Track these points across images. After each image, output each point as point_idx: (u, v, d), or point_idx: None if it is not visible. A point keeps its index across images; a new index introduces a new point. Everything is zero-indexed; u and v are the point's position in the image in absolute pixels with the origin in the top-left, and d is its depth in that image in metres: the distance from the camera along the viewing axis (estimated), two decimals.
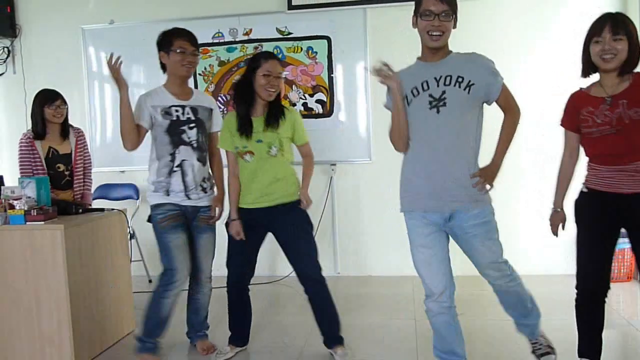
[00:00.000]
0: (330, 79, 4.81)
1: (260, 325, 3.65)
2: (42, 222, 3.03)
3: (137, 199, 5.01)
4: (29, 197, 3.14)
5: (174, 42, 2.97)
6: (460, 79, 2.39)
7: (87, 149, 3.92)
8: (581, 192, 2.52)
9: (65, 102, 3.69)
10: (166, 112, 3.01)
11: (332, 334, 3.09)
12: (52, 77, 5.17)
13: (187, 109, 3.05)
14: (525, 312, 2.65)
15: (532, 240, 4.55)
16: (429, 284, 2.49)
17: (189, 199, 3.06)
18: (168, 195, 3.03)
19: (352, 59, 4.81)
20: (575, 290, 2.53)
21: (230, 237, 3.07)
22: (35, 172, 3.54)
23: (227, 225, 3.07)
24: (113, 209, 3.56)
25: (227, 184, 3.09)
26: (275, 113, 2.99)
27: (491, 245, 2.48)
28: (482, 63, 2.45)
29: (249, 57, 4.86)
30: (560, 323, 2.84)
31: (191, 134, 3.05)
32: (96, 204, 4.75)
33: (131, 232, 4.68)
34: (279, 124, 2.98)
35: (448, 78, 2.40)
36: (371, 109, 4.78)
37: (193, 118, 3.06)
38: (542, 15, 4.52)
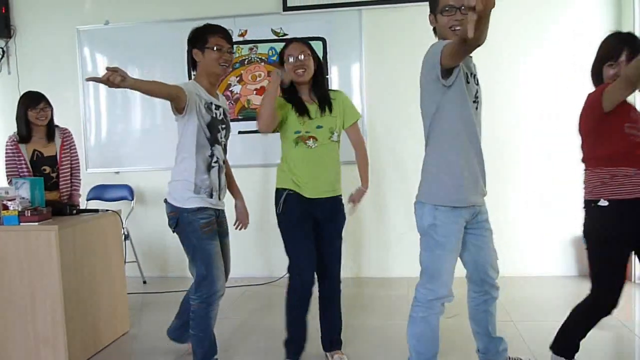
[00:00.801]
0: (326, 80, 4.80)
1: (252, 327, 3.65)
2: (37, 223, 3.02)
3: (132, 199, 5.00)
4: (23, 198, 3.13)
5: (210, 39, 2.78)
6: (475, 77, 2.40)
7: (75, 149, 3.89)
8: (601, 207, 2.46)
9: (49, 104, 3.68)
10: (208, 107, 2.80)
11: (334, 336, 3.07)
12: (47, 77, 5.17)
13: (221, 110, 2.90)
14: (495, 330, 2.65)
15: (528, 242, 4.58)
16: (447, 286, 2.41)
17: (220, 200, 2.91)
18: (211, 197, 2.81)
19: (347, 61, 4.81)
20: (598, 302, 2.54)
21: (289, 235, 2.87)
22: (21, 175, 3.55)
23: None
24: (107, 210, 3.55)
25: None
26: (324, 95, 2.92)
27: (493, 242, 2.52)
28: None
29: (245, 58, 4.88)
30: (557, 325, 2.85)
31: (222, 134, 2.90)
32: (91, 204, 4.76)
33: (125, 233, 4.67)
34: (333, 106, 2.92)
35: (476, 77, 2.40)
36: (366, 111, 4.79)
37: (224, 119, 2.92)
38: (541, 18, 4.55)
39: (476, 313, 2.63)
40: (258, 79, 4.90)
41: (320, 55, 4.73)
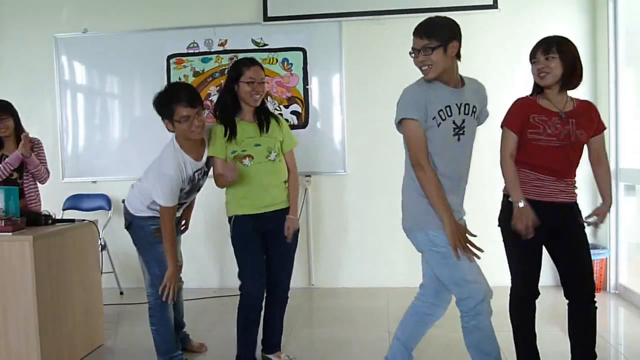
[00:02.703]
0: (306, 91, 4.82)
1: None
2: (10, 233, 2.96)
3: (109, 209, 4.94)
4: None
5: (176, 110, 2.78)
6: (474, 109, 2.49)
7: (43, 155, 3.80)
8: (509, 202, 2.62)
9: (10, 115, 3.63)
10: (191, 180, 2.95)
11: (277, 341, 3.21)
12: (24, 85, 5.11)
13: (202, 170, 3.00)
14: None
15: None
16: (479, 285, 2.41)
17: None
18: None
19: (327, 71, 4.83)
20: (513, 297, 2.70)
21: (240, 249, 2.98)
22: None
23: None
24: (84, 220, 3.50)
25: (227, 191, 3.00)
26: (266, 116, 3.00)
27: None
28: (484, 93, 2.59)
29: (225, 67, 4.87)
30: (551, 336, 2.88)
31: (196, 188, 3.08)
32: (67, 214, 4.69)
33: (102, 243, 4.61)
34: (272, 128, 2.99)
35: (467, 107, 2.47)
36: (346, 121, 4.81)
37: (202, 176, 3.05)
38: (526, 33, 4.56)
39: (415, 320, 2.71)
40: None
41: (301, 65, 4.79)
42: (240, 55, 4.81)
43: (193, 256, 4.36)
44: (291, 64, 4.84)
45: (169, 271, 2.94)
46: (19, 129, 3.68)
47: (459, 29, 2.41)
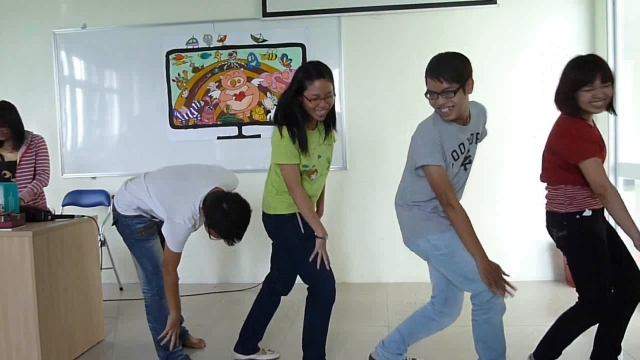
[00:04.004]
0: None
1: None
2: (10, 229, 2.96)
3: (109, 205, 4.94)
4: None
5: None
6: (477, 135, 2.57)
7: (43, 155, 3.77)
8: (586, 217, 2.52)
9: (5, 122, 3.58)
10: None
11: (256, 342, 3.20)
12: (23, 81, 5.11)
13: None
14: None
15: (506, 247, 4.61)
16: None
17: None
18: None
19: None
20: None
21: (304, 248, 2.82)
22: None
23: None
24: (83, 216, 3.50)
25: (300, 202, 2.76)
26: (330, 122, 2.87)
27: None
28: (485, 117, 2.63)
29: (224, 63, 4.86)
30: (531, 330, 2.88)
31: None
32: (66, 210, 4.70)
33: (102, 239, 4.62)
34: (331, 133, 2.90)
35: (472, 137, 2.53)
36: (345, 117, 4.80)
37: None
38: (525, 27, 4.59)
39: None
40: (237, 84, 4.88)
41: (300, 61, 4.78)
42: (240, 51, 4.84)
43: (193, 252, 4.36)
44: (290, 59, 4.83)
45: (171, 318, 2.91)
46: (19, 127, 3.66)
47: (471, 64, 2.40)
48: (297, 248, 2.83)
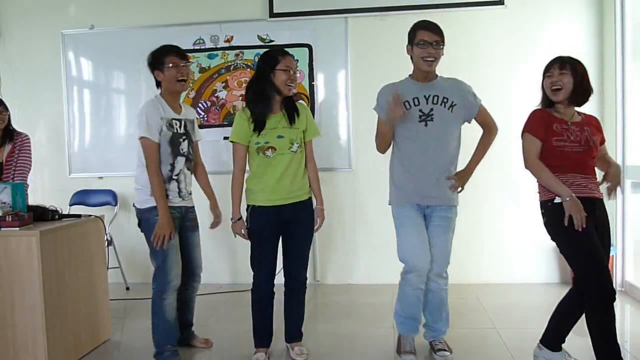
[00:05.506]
0: (311, 87, 4.82)
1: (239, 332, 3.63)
2: (17, 228, 2.98)
3: (115, 205, 4.96)
4: (4, 203, 3.09)
5: (166, 60, 3.07)
6: (445, 100, 2.91)
7: (25, 153, 3.76)
8: (556, 204, 2.68)
9: (6, 109, 3.65)
10: (169, 124, 3.06)
11: (294, 331, 3.26)
12: (31, 82, 5.13)
13: (182, 122, 3.14)
14: (439, 318, 3.11)
15: (512, 250, 4.60)
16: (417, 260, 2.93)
17: (183, 200, 3.16)
18: (167, 197, 3.06)
19: (333, 67, 4.83)
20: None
21: (254, 239, 3.08)
22: None
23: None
24: (90, 215, 3.52)
25: (233, 180, 3.06)
26: (293, 107, 3.07)
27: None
28: (464, 88, 3.00)
29: (230, 63, 4.87)
30: (539, 332, 2.88)
31: (184, 146, 3.14)
32: (73, 210, 4.72)
33: (109, 238, 4.63)
34: (298, 119, 3.06)
35: (435, 98, 2.91)
36: (351, 118, 4.80)
37: (183, 131, 3.14)
38: (533, 29, 4.57)
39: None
40: (244, 85, 4.88)
41: (307, 62, 4.79)
42: (246, 52, 4.86)
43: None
44: (297, 60, 4.80)
45: (160, 220, 2.97)
46: (9, 124, 3.69)
47: None
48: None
